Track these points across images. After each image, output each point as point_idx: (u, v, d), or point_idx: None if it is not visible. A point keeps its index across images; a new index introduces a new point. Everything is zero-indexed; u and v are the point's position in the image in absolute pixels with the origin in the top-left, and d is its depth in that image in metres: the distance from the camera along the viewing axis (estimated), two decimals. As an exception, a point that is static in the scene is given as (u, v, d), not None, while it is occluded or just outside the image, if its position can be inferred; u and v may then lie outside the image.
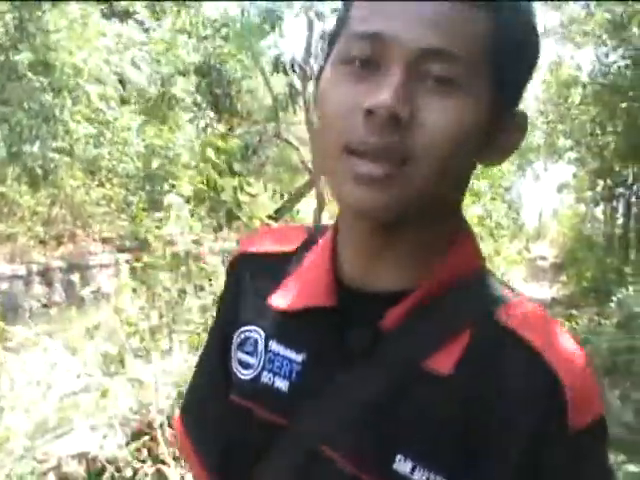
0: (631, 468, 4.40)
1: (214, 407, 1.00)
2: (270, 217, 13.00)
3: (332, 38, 0.84)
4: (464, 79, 0.75)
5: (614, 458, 4.41)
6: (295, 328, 0.90)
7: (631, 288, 10.82)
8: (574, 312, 10.94)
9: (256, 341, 0.93)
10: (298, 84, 7.08)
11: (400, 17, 0.75)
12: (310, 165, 10.12)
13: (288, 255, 0.97)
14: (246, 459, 0.91)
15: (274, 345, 0.91)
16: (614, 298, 10.00)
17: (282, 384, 0.88)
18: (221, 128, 11.32)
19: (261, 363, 0.91)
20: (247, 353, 0.94)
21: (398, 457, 0.78)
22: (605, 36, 13.88)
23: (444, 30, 0.74)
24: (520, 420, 0.76)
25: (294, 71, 6.68)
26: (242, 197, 5.99)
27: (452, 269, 0.85)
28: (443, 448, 0.78)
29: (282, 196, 13.31)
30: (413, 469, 0.78)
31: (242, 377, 0.94)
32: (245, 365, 0.94)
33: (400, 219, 0.79)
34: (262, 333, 0.93)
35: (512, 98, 0.84)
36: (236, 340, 0.96)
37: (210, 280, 5.27)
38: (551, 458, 0.76)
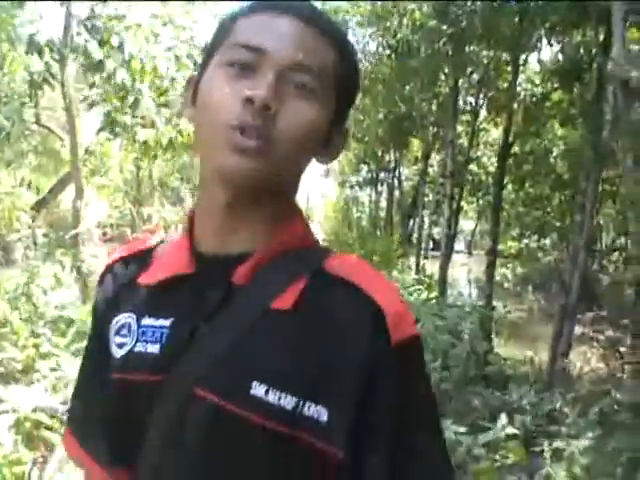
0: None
1: (97, 402, 1.09)
2: (32, 208, 12.23)
3: (212, 48, 1.03)
4: (317, 88, 0.97)
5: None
6: (163, 299, 1.04)
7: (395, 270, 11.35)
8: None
9: (129, 324, 1.05)
10: (55, 67, 6.61)
11: (277, 36, 0.97)
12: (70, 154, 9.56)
13: (151, 249, 1.14)
14: (133, 436, 0.99)
15: (146, 320, 1.03)
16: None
17: (154, 348, 1.00)
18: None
19: (134, 338, 1.02)
20: (122, 336, 1.05)
21: (254, 384, 0.90)
22: (367, 25, 14.35)
23: (307, 51, 0.97)
24: (354, 341, 0.91)
25: (51, 51, 6.22)
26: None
27: (287, 237, 1.03)
28: (291, 371, 0.91)
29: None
30: (267, 391, 0.90)
31: (118, 355, 1.04)
32: (121, 345, 1.05)
33: (259, 187, 0.96)
34: (134, 316, 1.05)
35: (343, 112, 1.07)
36: (113, 329, 1.07)
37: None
38: (382, 368, 0.91)
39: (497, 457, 4.06)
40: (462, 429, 4.37)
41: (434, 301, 9.32)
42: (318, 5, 1.21)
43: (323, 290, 0.96)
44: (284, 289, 0.96)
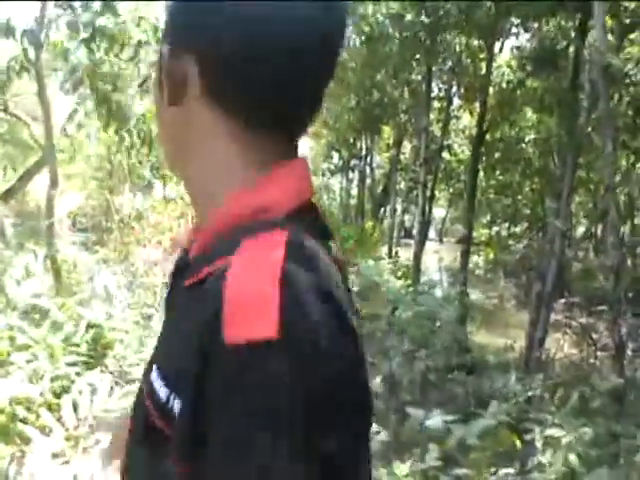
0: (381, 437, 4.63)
1: None
2: (0, 198, 11.99)
3: None
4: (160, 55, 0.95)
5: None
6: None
7: (370, 260, 11.30)
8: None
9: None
10: (31, 53, 6.42)
11: None
12: (42, 141, 9.35)
13: None
14: None
15: None
16: (351, 269, 10.35)
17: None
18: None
19: None
20: None
21: (154, 367, 0.88)
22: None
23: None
24: (196, 334, 0.77)
25: (26, 37, 6.04)
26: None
27: (227, 215, 0.90)
28: (169, 358, 0.87)
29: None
30: (157, 376, 0.86)
31: None
32: None
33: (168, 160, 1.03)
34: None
35: (176, 50, 0.92)
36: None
37: None
38: (211, 370, 0.75)
39: (488, 445, 4.04)
40: (450, 417, 4.34)
41: (410, 289, 9.29)
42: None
43: (219, 271, 0.82)
44: (202, 268, 0.86)
